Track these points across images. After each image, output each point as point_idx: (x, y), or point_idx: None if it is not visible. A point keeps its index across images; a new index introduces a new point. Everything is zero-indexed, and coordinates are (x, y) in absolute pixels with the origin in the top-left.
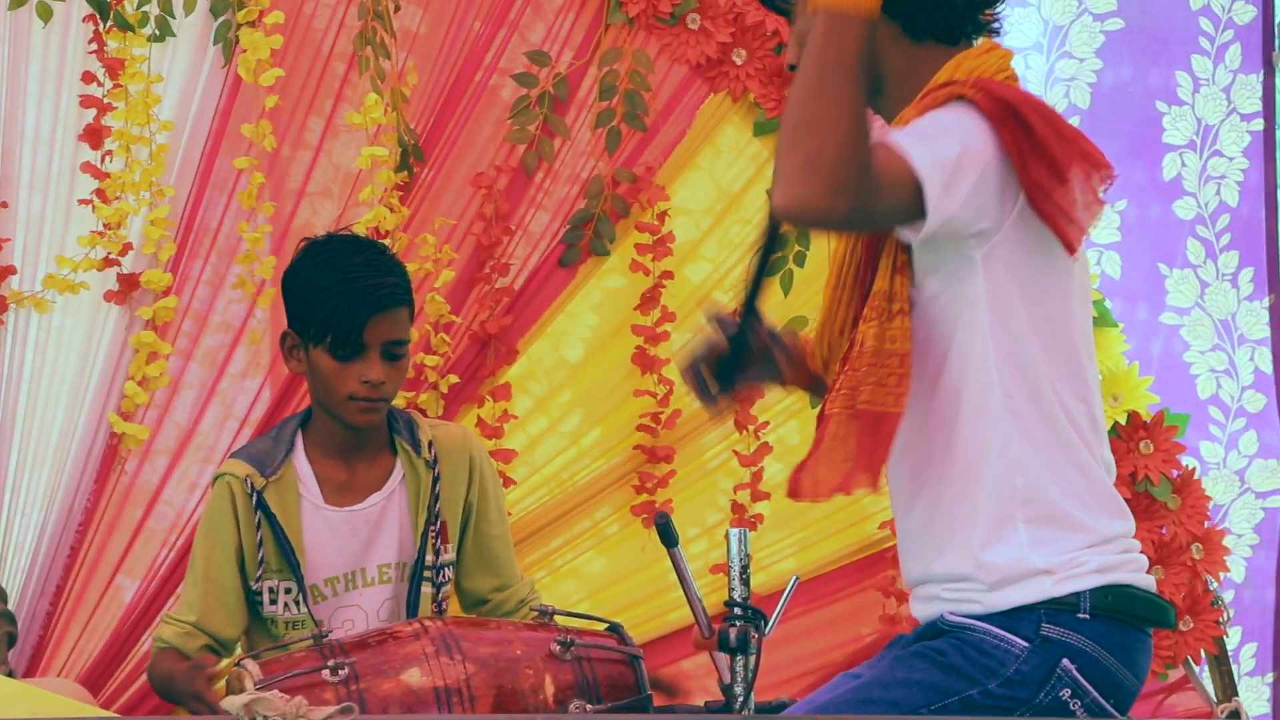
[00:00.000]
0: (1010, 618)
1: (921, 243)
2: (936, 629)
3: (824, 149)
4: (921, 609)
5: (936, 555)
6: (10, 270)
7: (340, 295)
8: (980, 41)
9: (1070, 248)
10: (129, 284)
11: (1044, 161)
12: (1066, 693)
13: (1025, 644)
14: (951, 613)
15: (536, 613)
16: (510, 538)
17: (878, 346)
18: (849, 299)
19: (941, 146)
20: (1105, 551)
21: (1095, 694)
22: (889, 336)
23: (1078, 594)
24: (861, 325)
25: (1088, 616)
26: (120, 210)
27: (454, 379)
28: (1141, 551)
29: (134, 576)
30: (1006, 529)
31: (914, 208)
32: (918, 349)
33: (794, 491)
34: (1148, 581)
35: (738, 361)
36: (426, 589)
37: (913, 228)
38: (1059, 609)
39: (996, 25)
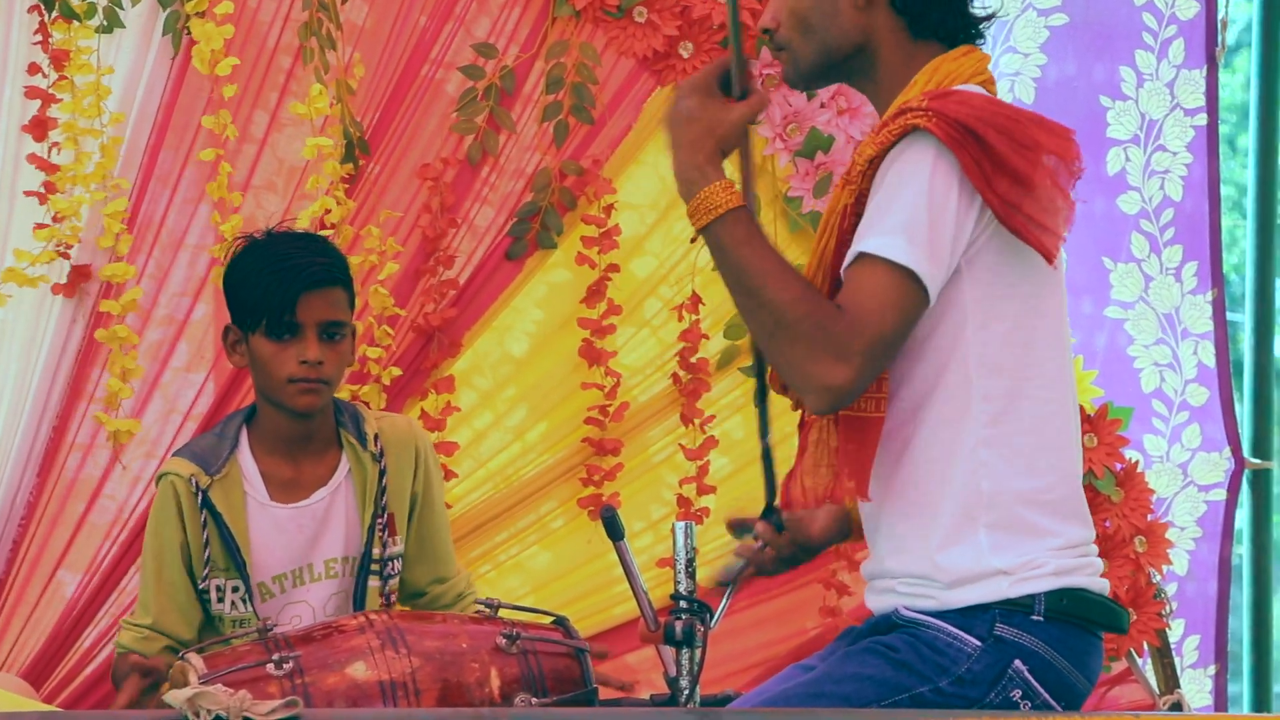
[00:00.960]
0: (965, 616)
1: None
2: (890, 623)
3: (795, 340)
4: (876, 601)
5: (895, 552)
6: None
7: (272, 275)
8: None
9: (1048, 256)
10: (80, 276)
11: (1007, 176)
12: (1017, 693)
13: (978, 643)
14: (906, 607)
15: (481, 605)
16: (449, 531)
17: None
18: None
19: (908, 213)
20: (1063, 555)
21: (1046, 695)
22: None
23: (1033, 596)
24: None
25: (1042, 619)
26: (75, 202)
27: (396, 371)
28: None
29: (76, 571)
30: (967, 532)
31: (919, 290)
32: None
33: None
34: (1102, 586)
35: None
36: (373, 582)
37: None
38: (1014, 610)
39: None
